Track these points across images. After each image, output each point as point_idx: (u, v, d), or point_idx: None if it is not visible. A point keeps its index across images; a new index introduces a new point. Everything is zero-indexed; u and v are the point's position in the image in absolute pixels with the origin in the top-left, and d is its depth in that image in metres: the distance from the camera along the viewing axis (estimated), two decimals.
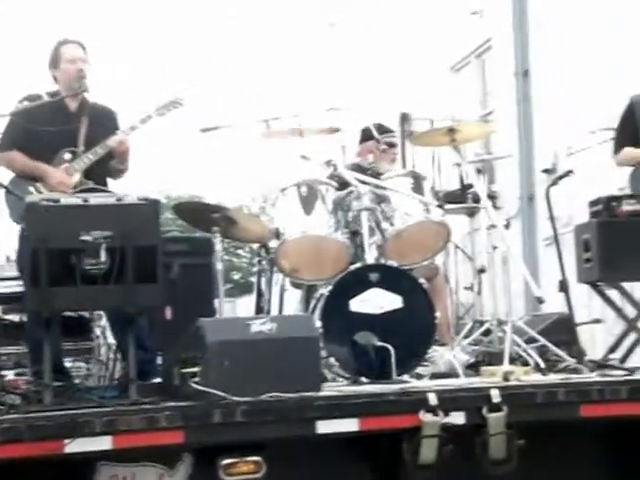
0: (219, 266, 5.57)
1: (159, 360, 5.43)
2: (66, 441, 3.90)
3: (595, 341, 10.52)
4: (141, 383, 4.47)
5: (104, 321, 5.72)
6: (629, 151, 6.28)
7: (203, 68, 22.38)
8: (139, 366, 4.48)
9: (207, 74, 22.28)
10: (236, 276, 30.89)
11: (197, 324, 4.43)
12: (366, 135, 6.82)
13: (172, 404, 4.24)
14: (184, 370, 4.36)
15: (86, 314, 5.69)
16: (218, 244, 5.61)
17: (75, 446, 3.91)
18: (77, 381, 5.32)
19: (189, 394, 4.27)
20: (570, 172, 6.49)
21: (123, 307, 4.42)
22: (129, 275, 4.28)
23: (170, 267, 5.63)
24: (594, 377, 5.05)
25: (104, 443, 3.97)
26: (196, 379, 4.29)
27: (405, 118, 16.58)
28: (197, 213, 5.80)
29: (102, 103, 5.75)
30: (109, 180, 5.71)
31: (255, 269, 6.22)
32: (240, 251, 30.73)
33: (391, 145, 6.88)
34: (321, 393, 4.43)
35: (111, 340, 5.50)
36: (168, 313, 5.47)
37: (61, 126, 5.42)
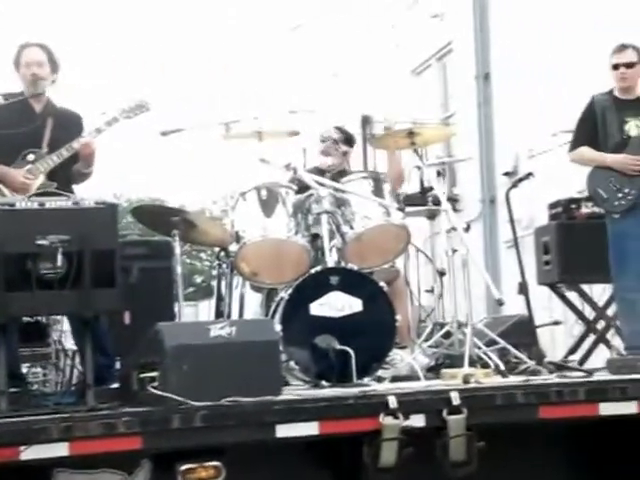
0: (178, 270, 5.54)
1: (118, 365, 5.39)
2: (22, 448, 3.84)
3: (556, 342, 10.59)
4: (99, 389, 4.42)
5: (62, 326, 5.67)
6: (585, 151, 6.26)
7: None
8: (97, 371, 4.44)
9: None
10: (198, 279, 30.78)
11: (155, 328, 4.40)
12: (350, 141, 6.79)
13: (130, 410, 4.20)
14: (142, 375, 4.33)
15: (44, 319, 5.64)
16: (177, 248, 5.59)
17: (31, 453, 3.86)
18: (34, 387, 5.26)
19: (148, 399, 4.24)
20: (530, 175, 6.52)
21: (80, 312, 4.38)
22: (86, 280, 4.23)
23: (129, 271, 5.59)
24: (553, 379, 5.07)
25: (61, 450, 3.91)
26: (155, 384, 4.25)
27: (366, 121, 16.64)
28: (156, 216, 5.77)
29: (68, 107, 5.70)
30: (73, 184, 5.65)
31: (215, 273, 6.18)
32: (202, 254, 30.62)
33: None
34: (281, 397, 4.41)
35: (68, 345, 5.45)
36: (127, 317, 5.43)
37: (26, 127, 5.36)
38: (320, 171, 6.25)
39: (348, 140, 6.67)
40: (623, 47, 6.22)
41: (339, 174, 6.05)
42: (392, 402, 4.34)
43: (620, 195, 6.04)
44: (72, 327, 5.31)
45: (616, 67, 6.19)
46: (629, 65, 6.17)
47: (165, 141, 6.09)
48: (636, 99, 6.21)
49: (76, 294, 4.25)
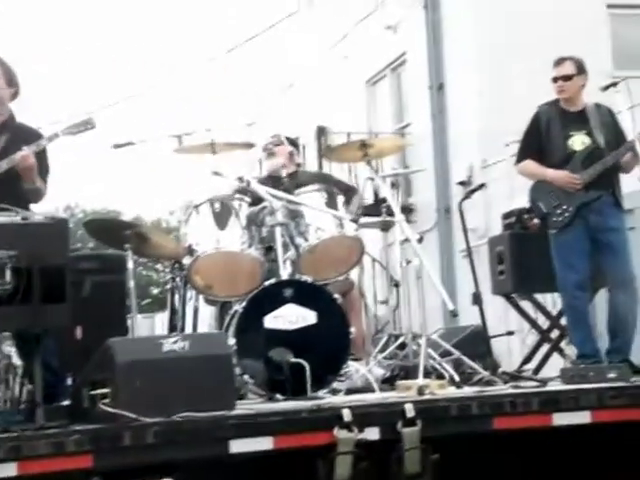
0: (131, 283, 5.49)
1: (69, 381, 5.31)
2: None
3: (511, 352, 10.65)
4: (48, 406, 4.35)
5: (11, 342, 5.57)
6: (529, 164, 6.26)
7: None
8: (46, 389, 4.37)
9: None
10: (155, 291, 30.63)
11: (107, 344, 4.35)
12: (289, 142, 6.71)
13: (81, 427, 4.14)
14: (94, 392, 4.27)
15: None
16: (130, 261, 5.54)
17: None
18: None
19: (99, 416, 4.18)
20: (482, 186, 6.57)
21: (29, 328, 4.31)
22: (35, 295, 4.17)
23: (81, 285, 5.53)
24: (507, 389, 5.09)
25: (9, 470, 3.84)
26: (106, 401, 4.19)
27: (322, 132, 16.68)
28: (109, 230, 5.71)
29: (29, 124, 5.61)
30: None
31: (169, 286, 6.14)
32: (159, 266, 30.49)
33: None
34: (235, 412, 4.37)
35: (17, 362, 5.36)
36: (78, 332, 5.37)
37: None
38: (274, 180, 6.21)
39: (290, 141, 6.63)
40: (562, 60, 6.24)
41: (293, 185, 6.03)
42: (346, 415, 4.33)
43: (559, 211, 6.08)
44: (16, 343, 5.22)
45: (555, 80, 6.21)
46: (567, 78, 6.17)
47: (119, 153, 6.02)
48: (581, 111, 6.22)
49: (25, 310, 4.19)
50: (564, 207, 6.06)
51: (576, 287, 6.05)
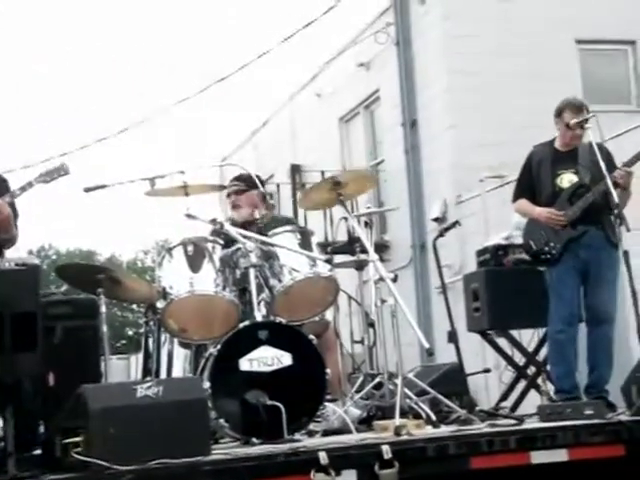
0: (104, 328, 5.45)
1: (42, 429, 5.24)
2: None
3: (489, 389, 10.64)
4: (21, 456, 4.29)
5: None
6: (522, 203, 6.44)
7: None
8: (19, 437, 4.31)
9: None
10: (130, 332, 30.48)
11: (79, 391, 4.30)
12: (252, 184, 6.58)
13: (53, 477, 4.09)
14: (66, 440, 4.21)
15: None
16: (103, 306, 5.50)
17: None
18: None
19: (71, 465, 4.12)
20: (456, 223, 6.59)
21: (1, 378, 4.26)
22: (6, 344, 4.14)
23: (53, 331, 5.47)
24: (484, 428, 5.07)
25: None
26: (79, 449, 4.14)
27: (296, 170, 16.73)
28: (81, 274, 5.68)
29: None
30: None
31: (143, 329, 6.09)
32: (134, 306, 30.35)
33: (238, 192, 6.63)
34: (210, 457, 4.34)
35: None
36: (51, 379, 5.30)
37: None
38: (246, 222, 6.20)
39: (249, 184, 6.43)
40: (581, 107, 6.23)
41: (265, 226, 6.02)
42: (323, 458, 4.30)
43: (547, 249, 6.22)
44: None
45: (577, 126, 6.18)
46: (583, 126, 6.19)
47: (92, 195, 5.98)
48: (571, 151, 6.33)
49: None
50: (551, 244, 6.20)
51: (563, 321, 6.13)
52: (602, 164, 5.93)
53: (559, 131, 6.35)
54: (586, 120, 6.19)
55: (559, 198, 6.25)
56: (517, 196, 6.50)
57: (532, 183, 6.38)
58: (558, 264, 6.18)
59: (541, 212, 6.26)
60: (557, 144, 6.40)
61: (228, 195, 6.53)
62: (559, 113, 6.30)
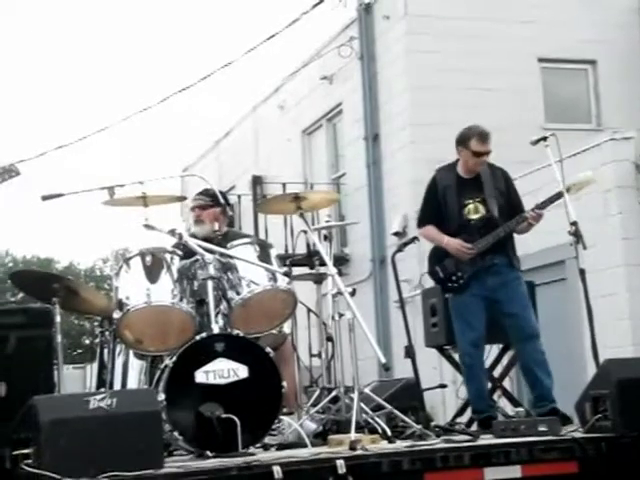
0: (59, 338, 5.39)
1: None
2: None
3: (446, 404, 10.67)
4: None
5: None
6: (430, 230, 6.43)
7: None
8: None
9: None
10: (87, 340, 30.20)
11: (30, 402, 4.25)
12: (217, 200, 6.60)
13: None
14: (16, 452, 4.16)
15: None
16: (58, 315, 5.44)
17: None
18: None
19: (21, 477, 4.07)
20: (415, 239, 6.60)
21: None
22: None
23: (6, 341, 5.40)
24: (439, 443, 5.07)
25: None
26: (29, 461, 4.09)
27: (257, 181, 16.71)
28: (36, 282, 5.63)
29: None
30: None
31: (98, 340, 6.03)
32: (91, 315, 30.10)
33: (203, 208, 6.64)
34: (162, 470, 4.29)
35: None
36: (2, 389, 5.24)
37: None
38: (207, 238, 6.17)
39: (214, 200, 6.46)
40: (487, 136, 6.31)
41: (224, 238, 5.99)
42: (277, 472, 4.29)
43: (454, 278, 6.32)
44: None
45: (479, 155, 6.29)
46: (489, 154, 6.32)
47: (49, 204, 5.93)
48: (475, 178, 6.38)
49: None
50: (459, 274, 6.29)
51: (472, 345, 6.28)
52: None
53: (462, 158, 6.39)
54: (544, 138, 6.27)
55: (467, 228, 6.31)
56: (424, 222, 6.49)
57: (439, 209, 6.39)
58: (464, 292, 6.29)
59: (450, 242, 6.29)
60: (460, 170, 6.42)
61: (192, 209, 6.52)
62: (465, 140, 6.33)
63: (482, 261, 6.27)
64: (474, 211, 6.32)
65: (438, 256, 6.41)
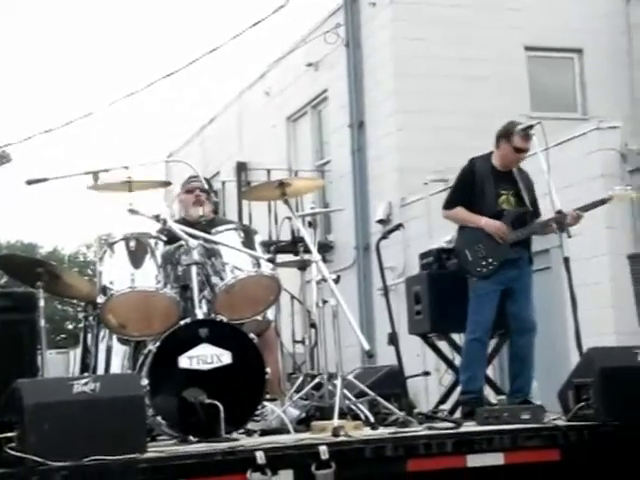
0: (42, 322, 5.37)
1: None
2: None
3: (429, 392, 10.71)
4: None
5: None
6: (460, 211, 6.50)
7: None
8: None
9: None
10: (70, 326, 30.16)
11: (14, 386, 4.24)
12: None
13: None
14: (0, 435, 4.15)
15: None
16: (42, 299, 5.42)
17: None
18: None
19: (5, 461, 4.06)
20: (400, 226, 6.62)
21: None
22: None
23: None
24: (422, 430, 5.09)
25: None
26: (13, 444, 4.08)
27: (242, 167, 16.67)
28: (20, 267, 5.61)
29: None
30: None
31: (82, 324, 6.02)
32: (75, 300, 30.05)
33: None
34: (145, 455, 4.29)
35: None
36: None
37: None
38: (188, 222, 6.15)
39: (211, 189, 6.62)
40: (531, 135, 6.34)
41: (209, 224, 5.98)
42: (260, 458, 4.29)
43: (484, 263, 6.37)
44: None
45: (520, 151, 6.37)
46: (527, 151, 6.42)
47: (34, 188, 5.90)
48: (509, 172, 6.49)
49: None
50: (489, 260, 6.35)
51: (483, 330, 6.37)
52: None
53: (501, 151, 6.42)
54: (530, 126, 6.32)
55: (502, 218, 6.39)
56: (454, 203, 6.55)
57: (471, 196, 6.46)
58: (488, 278, 6.36)
59: (489, 222, 6.35)
60: (496, 163, 6.49)
61: (190, 190, 6.45)
62: (509, 135, 6.36)
63: (512, 252, 6.37)
64: (507, 202, 6.43)
65: (467, 240, 6.46)
